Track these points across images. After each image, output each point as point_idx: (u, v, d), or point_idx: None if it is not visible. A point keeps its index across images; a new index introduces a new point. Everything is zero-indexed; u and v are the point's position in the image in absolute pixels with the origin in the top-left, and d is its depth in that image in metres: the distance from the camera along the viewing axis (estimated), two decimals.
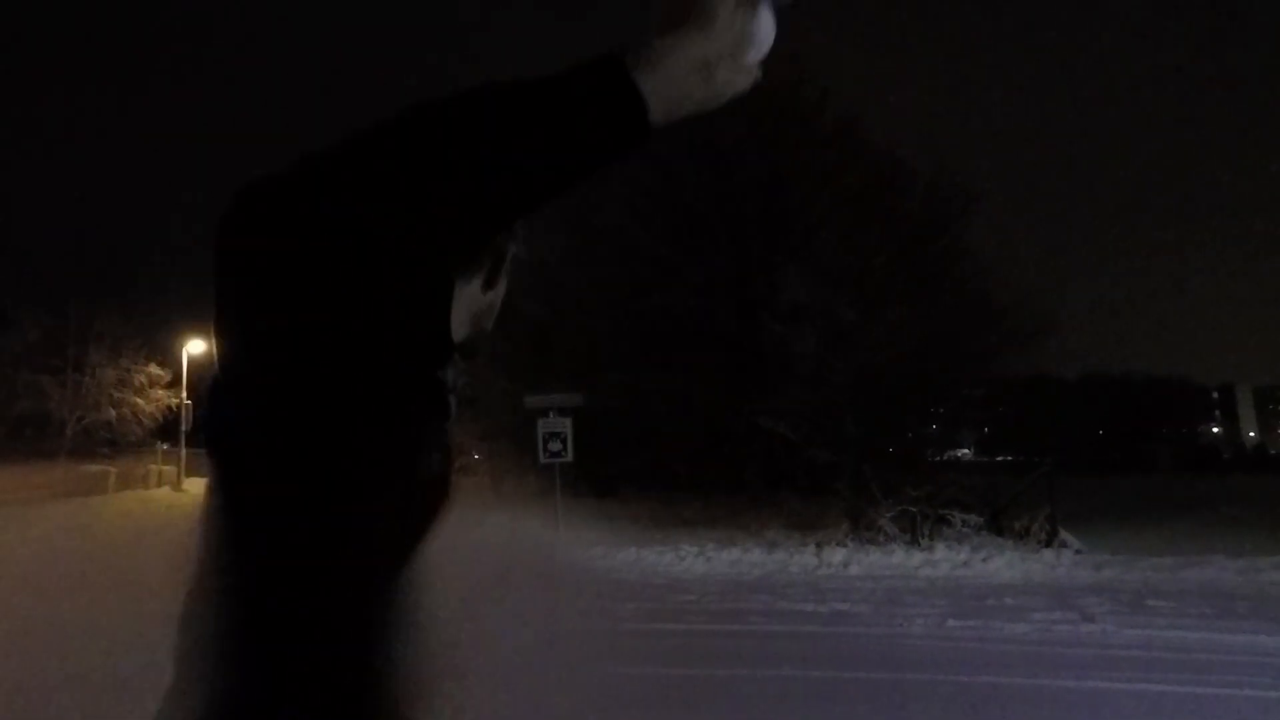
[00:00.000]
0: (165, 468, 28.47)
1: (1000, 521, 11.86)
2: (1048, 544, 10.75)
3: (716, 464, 17.92)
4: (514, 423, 17.69)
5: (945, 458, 14.31)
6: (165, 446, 29.17)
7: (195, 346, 29.78)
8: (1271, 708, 4.24)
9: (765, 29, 0.70)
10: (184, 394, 28.66)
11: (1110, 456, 54.94)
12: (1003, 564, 9.62)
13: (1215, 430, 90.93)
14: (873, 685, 4.68)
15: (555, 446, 12.42)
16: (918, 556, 10.12)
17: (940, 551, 10.26)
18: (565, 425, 12.47)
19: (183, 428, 28.09)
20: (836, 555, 10.28)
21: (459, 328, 0.81)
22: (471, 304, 0.84)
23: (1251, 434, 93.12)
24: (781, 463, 16.22)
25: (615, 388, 16.14)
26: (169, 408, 28.73)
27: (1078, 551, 10.35)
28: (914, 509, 11.45)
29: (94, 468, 25.07)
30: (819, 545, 10.98)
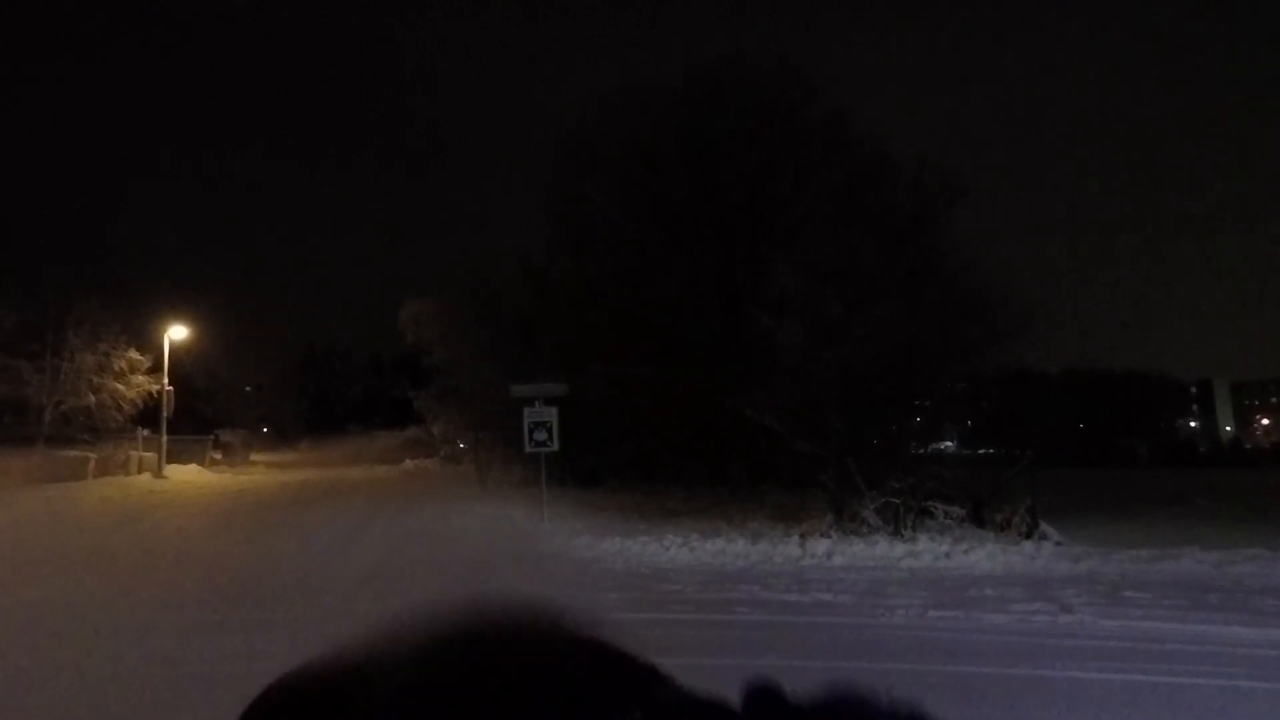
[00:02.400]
0: (146, 454, 28.21)
1: (982, 514, 11.96)
2: (1028, 536, 10.86)
3: (701, 455, 17.98)
4: (500, 412, 17.66)
5: (929, 451, 14.39)
6: (146, 433, 28.88)
7: (176, 332, 29.46)
8: (1244, 697, 4.32)
9: None
10: (165, 380, 28.35)
11: (1090, 450, 55.50)
12: (984, 555, 9.72)
13: (1193, 425, 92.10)
14: (854, 675, 4.71)
15: (541, 436, 12.41)
16: (900, 548, 10.20)
17: (923, 543, 10.35)
18: (551, 415, 12.46)
19: (164, 414, 27.80)
20: (820, 546, 10.34)
21: None
22: None
23: (1228, 429, 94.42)
24: (766, 454, 16.29)
25: (601, 378, 16.15)
26: (150, 394, 28.41)
27: (1057, 544, 10.47)
28: (897, 501, 11.53)
29: (73, 454, 24.81)
30: (803, 536, 11.04)
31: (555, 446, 12.50)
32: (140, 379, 28.31)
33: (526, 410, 12.57)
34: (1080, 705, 4.19)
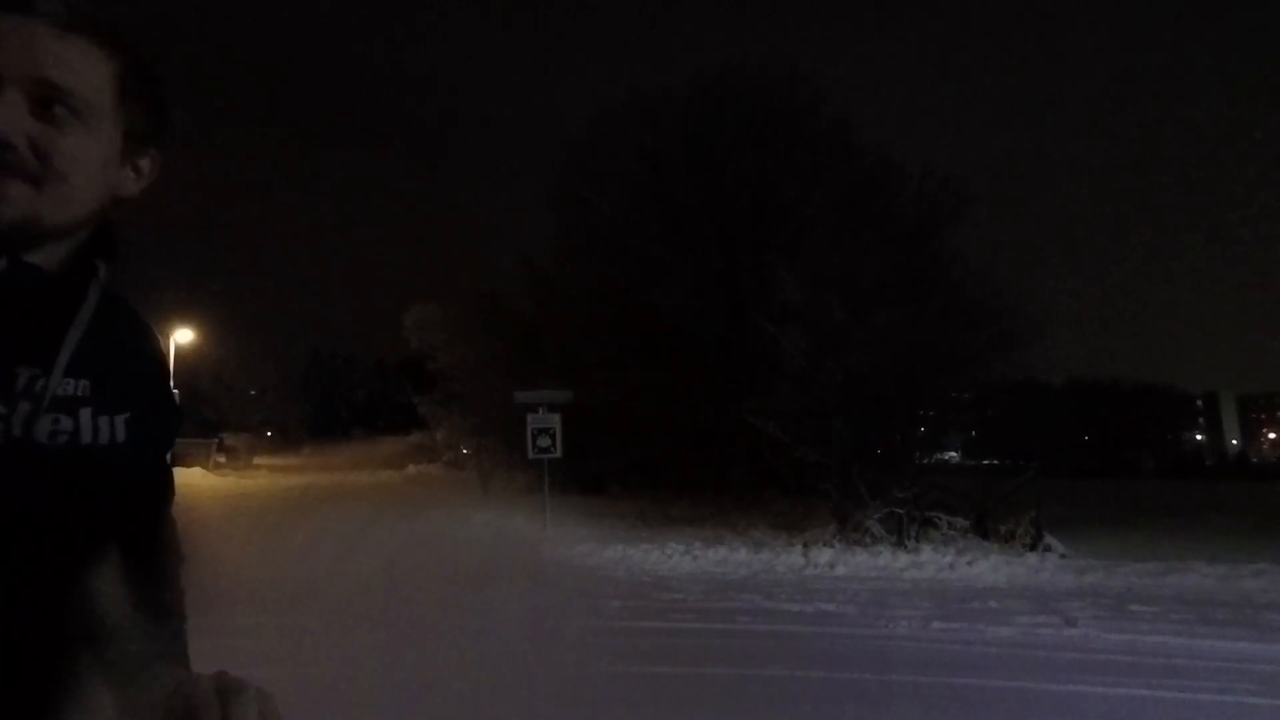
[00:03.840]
0: None
1: (986, 525, 11.92)
2: (1032, 548, 10.81)
3: (704, 462, 17.95)
4: (503, 419, 17.66)
5: (933, 460, 14.35)
6: None
7: (182, 335, 29.55)
8: (1249, 713, 4.28)
9: None
10: (170, 382, 28.43)
11: (1095, 462, 55.35)
12: (988, 567, 9.67)
13: (1199, 437, 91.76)
14: (857, 685, 4.69)
15: (544, 442, 12.41)
16: (904, 558, 10.16)
17: (926, 554, 10.30)
18: (554, 421, 12.47)
19: None
20: (823, 556, 10.30)
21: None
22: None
23: (1234, 441, 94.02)
24: (769, 462, 16.25)
25: (604, 385, 16.13)
26: None
27: (1062, 556, 10.42)
28: (901, 511, 11.49)
29: None
30: (806, 545, 11.01)
31: (559, 453, 12.50)
32: None
33: (530, 417, 12.57)
34: None
